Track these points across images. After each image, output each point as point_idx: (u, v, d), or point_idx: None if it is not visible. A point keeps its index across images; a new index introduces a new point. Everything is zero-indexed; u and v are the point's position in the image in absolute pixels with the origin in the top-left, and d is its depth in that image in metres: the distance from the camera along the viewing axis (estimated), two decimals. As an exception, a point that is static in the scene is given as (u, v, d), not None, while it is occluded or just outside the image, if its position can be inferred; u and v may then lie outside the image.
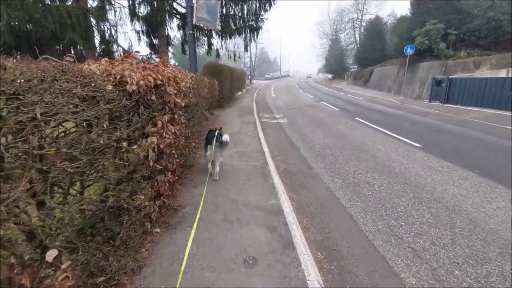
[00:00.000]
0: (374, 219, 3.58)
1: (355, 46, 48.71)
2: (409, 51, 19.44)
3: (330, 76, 55.86)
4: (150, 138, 2.70)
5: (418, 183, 4.65)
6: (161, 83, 2.96)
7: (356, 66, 49.42)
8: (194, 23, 8.42)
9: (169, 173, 3.40)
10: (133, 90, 2.49)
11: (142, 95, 2.65)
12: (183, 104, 3.53)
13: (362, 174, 5.08)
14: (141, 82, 2.58)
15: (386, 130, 8.89)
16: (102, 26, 11.27)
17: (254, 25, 14.52)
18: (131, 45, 13.13)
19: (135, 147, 2.59)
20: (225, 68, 13.59)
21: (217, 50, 14.34)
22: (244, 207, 3.64)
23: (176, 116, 3.42)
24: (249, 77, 48.13)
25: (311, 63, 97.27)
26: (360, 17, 47.05)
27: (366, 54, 32.00)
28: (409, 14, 22.88)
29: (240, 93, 23.45)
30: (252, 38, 15.02)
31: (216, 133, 4.60)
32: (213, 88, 10.11)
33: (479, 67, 17.00)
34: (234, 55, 15.43)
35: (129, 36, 13.81)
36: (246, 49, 15.64)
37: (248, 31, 14.71)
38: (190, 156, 5.44)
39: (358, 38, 47.88)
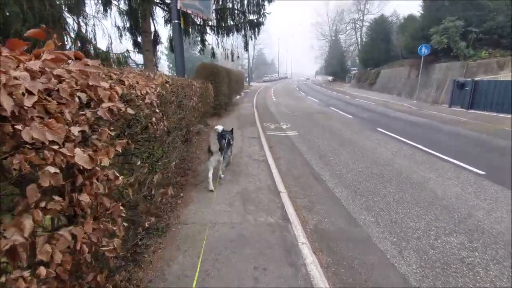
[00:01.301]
0: None
1: (357, 47, 47.23)
2: (424, 51, 17.69)
3: (330, 78, 54.28)
4: None
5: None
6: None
7: (356, 68, 48.04)
8: (179, 7, 6.50)
9: None
10: None
11: None
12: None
13: (441, 237, 3.19)
14: None
15: (423, 147, 7.04)
16: (75, 20, 9.35)
17: (255, 20, 12.63)
18: (111, 43, 11.23)
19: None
20: (222, 70, 11.69)
21: (212, 48, 12.41)
22: None
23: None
24: (247, 79, 46.33)
25: (309, 65, 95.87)
26: (361, 17, 45.53)
27: (371, 55, 30.31)
28: (420, 11, 21.19)
29: (238, 97, 21.56)
30: (253, 36, 13.12)
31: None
32: (207, 94, 8.20)
33: (503, 68, 15.29)
34: (232, 55, 13.51)
35: (108, 32, 11.77)
36: (246, 48, 13.73)
37: (248, 27, 12.82)
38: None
39: (359, 39, 46.40)
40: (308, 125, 10.34)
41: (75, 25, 9.07)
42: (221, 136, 4.49)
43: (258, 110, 14.30)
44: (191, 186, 4.37)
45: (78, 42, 8.99)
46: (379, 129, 9.55)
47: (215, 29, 11.63)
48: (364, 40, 44.59)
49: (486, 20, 16.21)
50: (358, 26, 45.66)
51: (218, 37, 12.29)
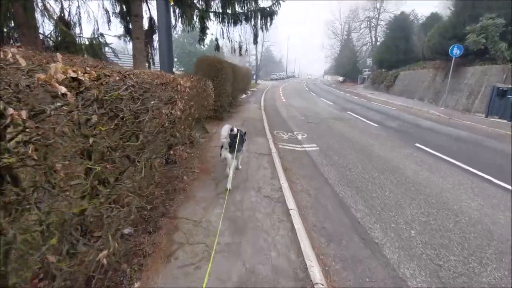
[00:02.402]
0: None
1: (370, 47, 44.93)
2: (456, 51, 15.63)
3: (340, 78, 52.00)
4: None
5: None
6: None
7: (367, 69, 45.72)
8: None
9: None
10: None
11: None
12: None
13: None
14: None
15: (491, 177, 5.16)
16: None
17: (268, 8, 10.78)
18: (97, 29, 9.52)
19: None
20: (226, 66, 9.86)
21: (216, 39, 10.57)
22: None
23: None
24: (254, 77, 44.42)
25: (318, 64, 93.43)
26: (376, 16, 43.15)
27: (389, 55, 28.14)
28: (450, 8, 19.01)
29: (244, 96, 19.72)
30: (264, 27, 11.25)
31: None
32: (206, 95, 6.40)
33: (550, 74, 13.20)
34: (240, 48, 11.66)
35: (94, 16, 9.95)
36: (255, 41, 11.87)
37: (259, 16, 10.97)
38: None
39: (373, 39, 44.09)
40: (327, 135, 8.47)
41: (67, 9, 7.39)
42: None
43: (267, 113, 12.45)
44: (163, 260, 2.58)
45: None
46: (417, 144, 7.66)
47: (220, 16, 9.79)
48: (378, 40, 42.35)
49: (531, 19, 14.08)
50: (373, 24, 43.32)
51: (224, 26, 10.45)
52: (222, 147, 4.21)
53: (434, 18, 25.57)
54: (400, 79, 25.05)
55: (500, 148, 7.59)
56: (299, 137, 8.16)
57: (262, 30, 11.66)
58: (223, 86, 9.18)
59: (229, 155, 4.17)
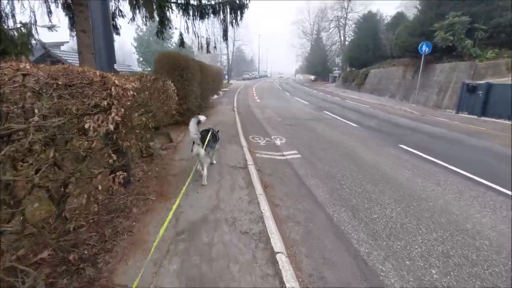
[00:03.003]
0: None
1: (339, 46, 45.70)
2: (425, 49, 15.82)
3: (312, 77, 52.49)
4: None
5: None
6: None
7: (337, 68, 46.52)
8: None
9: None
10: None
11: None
12: None
13: None
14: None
15: (478, 177, 4.68)
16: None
17: (237, 0, 9.81)
18: (34, 21, 7.99)
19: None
20: (192, 64, 8.73)
21: (181, 34, 9.37)
22: None
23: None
24: (226, 76, 43.17)
25: (289, 64, 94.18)
26: (344, 15, 43.94)
27: (359, 54, 28.51)
28: (417, 6, 19.40)
29: (216, 96, 18.57)
30: (234, 21, 10.26)
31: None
32: (165, 98, 5.28)
33: (512, 70, 13.72)
34: (208, 44, 10.57)
35: (31, 6, 8.29)
36: (225, 37, 10.85)
37: (228, 9, 9.98)
38: None
39: (342, 38, 44.87)
40: (308, 139, 7.71)
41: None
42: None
43: (241, 116, 11.48)
44: None
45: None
46: (401, 145, 7.16)
47: (183, 7, 8.62)
48: (347, 39, 43.18)
49: (493, 17, 14.57)
50: (341, 24, 44.05)
51: (188, 19, 9.29)
52: (193, 143, 4.08)
53: (399, 17, 26.25)
54: (370, 77, 25.38)
55: (483, 146, 7.33)
56: (278, 142, 7.29)
57: (232, 26, 10.64)
58: (189, 86, 8.05)
59: (202, 151, 4.02)
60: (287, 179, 4.76)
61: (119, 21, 9.13)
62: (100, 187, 2.45)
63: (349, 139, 7.83)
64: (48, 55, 16.71)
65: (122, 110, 2.64)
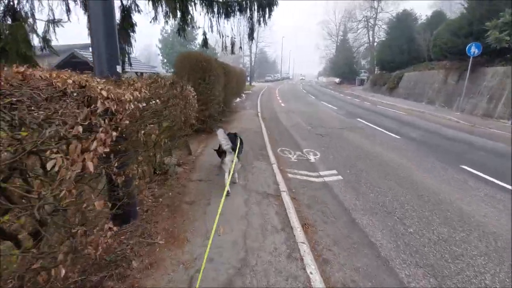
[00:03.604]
0: None
1: (368, 47, 43.51)
2: (474, 51, 14.04)
3: (337, 80, 50.51)
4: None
5: None
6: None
7: (363, 70, 44.27)
8: None
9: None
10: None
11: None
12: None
13: None
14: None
15: None
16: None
17: (266, -4, 8.89)
18: (52, 20, 7.57)
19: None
20: (215, 65, 7.91)
21: (204, 34, 8.59)
22: None
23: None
24: (248, 78, 42.53)
25: (312, 66, 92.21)
26: (374, 16, 41.73)
27: (391, 56, 26.59)
28: (464, 5, 17.48)
29: (238, 99, 17.78)
30: (262, 19, 9.33)
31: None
32: (183, 106, 4.43)
33: None
34: (233, 45, 9.69)
35: (49, 4, 7.86)
36: (251, 37, 9.93)
37: (256, 6, 9.08)
38: None
39: (371, 39, 42.68)
40: (346, 154, 6.58)
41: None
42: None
43: (266, 122, 10.52)
44: None
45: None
46: (464, 167, 5.85)
47: (208, 3, 7.82)
48: (376, 40, 40.98)
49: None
50: (371, 24, 41.89)
51: (213, 17, 8.49)
52: (223, 153, 4.07)
53: (438, 16, 24.13)
54: (404, 80, 23.47)
55: None
56: (311, 157, 6.24)
57: (260, 24, 9.71)
58: (212, 91, 7.22)
59: (236, 159, 3.96)
60: (332, 214, 3.71)
61: (137, 18, 8.52)
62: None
63: (394, 155, 6.60)
64: (73, 56, 16.78)
65: (114, 133, 1.76)
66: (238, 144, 4.22)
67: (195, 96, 5.02)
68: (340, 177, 5.11)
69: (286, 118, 11.86)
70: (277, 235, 2.99)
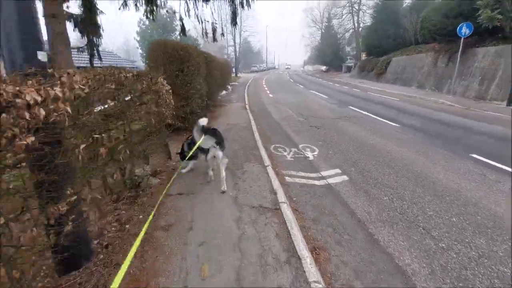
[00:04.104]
0: None
1: (353, 33, 42.89)
2: (465, 31, 13.61)
3: (323, 67, 49.94)
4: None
5: None
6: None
7: (349, 57, 43.86)
8: None
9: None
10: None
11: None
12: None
13: None
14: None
15: None
16: None
17: (249, -24, 7.97)
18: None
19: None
20: (195, 54, 6.97)
21: (181, 19, 7.59)
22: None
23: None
24: (234, 69, 41.24)
25: (298, 54, 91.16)
26: (358, 0, 40.97)
27: (378, 41, 26.08)
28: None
29: (224, 92, 16.81)
30: (246, 1, 8.43)
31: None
32: (156, 102, 3.58)
33: None
34: (214, 31, 8.76)
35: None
36: (233, 22, 8.99)
37: (238, -12, 8.16)
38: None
39: (356, 24, 42.03)
40: (347, 148, 5.92)
41: None
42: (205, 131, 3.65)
43: (255, 116, 9.72)
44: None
45: None
46: (474, 155, 5.33)
47: (182, -17, 6.82)
48: (361, 25, 40.39)
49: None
50: (355, 10, 41.16)
51: (190, 0, 7.49)
52: (205, 151, 3.73)
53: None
54: (392, 65, 23.07)
55: None
56: (309, 154, 5.53)
57: (243, 7, 8.79)
58: (192, 83, 6.33)
59: (220, 153, 3.70)
60: (345, 230, 3.02)
61: (107, 7, 7.46)
62: None
63: (398, 147, 5.99)
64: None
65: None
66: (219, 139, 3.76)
67: (170, 91, 4.15)
68: (345, 177, 4.43)
69: (276, 110, 11.09)
70: (281, 272, 2.26)
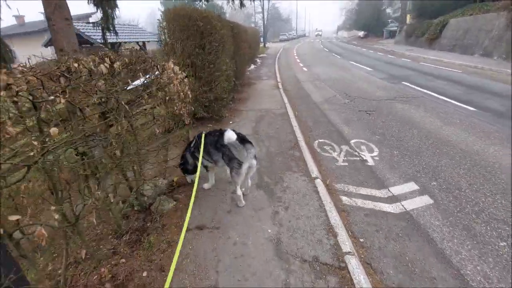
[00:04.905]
0: None
1: (398, -8, 37.32)
2: None
3: (361, 33, 45.00)
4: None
5: None
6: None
7: (390, 20, 38.71)
8: None
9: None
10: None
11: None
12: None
13: None
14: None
15: None
16: None
17: None
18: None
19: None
20: (220, 25, 5.62)
21: (202, -19, 6.21)
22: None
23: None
24: (261, 39, 38.66)
25: (331, 19, 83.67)
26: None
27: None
28: None
29: (253, 67, 15.31)
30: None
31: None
32: (165, 94, 2.49)
33: None
34: (242, -5, 7.29)
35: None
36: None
37: None
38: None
39: (402, -20, 36.31)
40: (417, 145, 4.49)
41: None
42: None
43: (289, 96, 8.35)
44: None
45: None
46: None
47: None
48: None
49: None
50: (402, -38, 35.26)
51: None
52: (239, 163, 2.74)
53: None
54: (449, 29, 19.48)
55: None
56: (367, 155, 4.23)
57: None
58: (216, 64, 5.10)
59: (254, 162, 2.92)
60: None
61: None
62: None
63: (488, 144, 4.40)
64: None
65: None
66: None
67: (185, 79, 3.01)
68: (427, 198, 3.13)
69: (314, 89, 9.55)
70: None
